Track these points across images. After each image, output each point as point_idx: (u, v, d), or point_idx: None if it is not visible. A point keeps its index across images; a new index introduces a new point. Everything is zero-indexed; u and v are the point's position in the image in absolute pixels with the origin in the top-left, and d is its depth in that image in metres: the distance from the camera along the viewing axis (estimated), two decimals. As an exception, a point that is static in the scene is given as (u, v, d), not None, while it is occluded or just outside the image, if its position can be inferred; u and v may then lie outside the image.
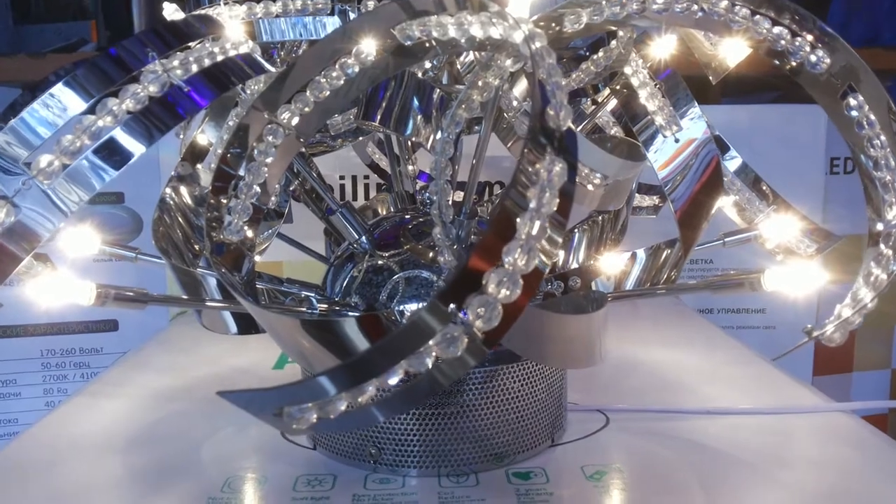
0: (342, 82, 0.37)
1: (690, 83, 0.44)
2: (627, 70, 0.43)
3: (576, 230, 0.51)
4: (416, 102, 0.43)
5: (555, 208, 0.22)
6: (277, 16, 0.44)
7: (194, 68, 0.33)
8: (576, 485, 0.40)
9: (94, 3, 1.21)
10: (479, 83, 0.34)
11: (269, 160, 0.36)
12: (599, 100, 0.49)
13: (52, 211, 0.33)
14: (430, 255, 0.44)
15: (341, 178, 0.87)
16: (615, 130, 0.50)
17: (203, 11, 0.43)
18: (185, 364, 0.63)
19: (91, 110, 0.31)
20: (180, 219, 0.42)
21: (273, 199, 0.40)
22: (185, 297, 0.39)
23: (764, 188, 0.51)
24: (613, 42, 0.43)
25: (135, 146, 0.33)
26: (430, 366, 0.21)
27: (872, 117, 0.35)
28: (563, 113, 0.23)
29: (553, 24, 0.36)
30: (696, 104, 0.42)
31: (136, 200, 0.86)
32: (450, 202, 0.38)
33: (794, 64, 0.35)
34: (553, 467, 0.42)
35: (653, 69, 0.44)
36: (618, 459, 0.43)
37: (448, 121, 0.36)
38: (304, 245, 0.54)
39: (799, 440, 0.46)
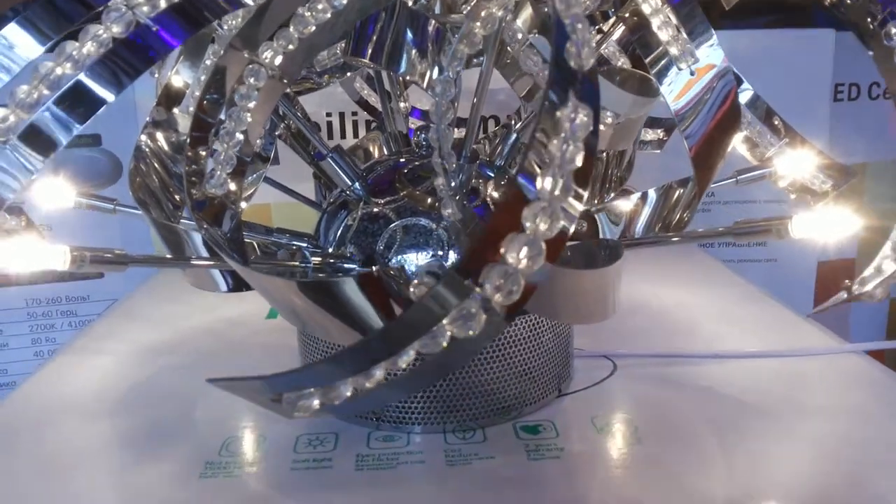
0: (328, 15, 0.33)
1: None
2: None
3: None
4: (409, 35, 0.40)
5: (579, 163, 0.19)
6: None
7: (163, 3, 0.30)
8: (586, 438, 0.39)
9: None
10: (482, 14, 0.30)
11: (251, 105, 0.33)
12: (605, 28, 0.46)
13: (16, 168, 0.30)
14: (429, 201, 0.42)
15: (328, 115, 0.83)
16: (622, 62, 0.47)
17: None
18: (175, 314, 0.61)
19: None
20: (158, 167, 0.39)
21: (259, 142, 0.37)
22: (168, 255, 0.37)
23: (776, 122, 0.48)
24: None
25: (102, 93, 0.29)
26: (445, 345, 0.19)
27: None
28: (586, 52, 0.20)
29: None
30: (714, 32, 0.39)
31: (114, 143, 0.82)
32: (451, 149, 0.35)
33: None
34: (561, 420, 0.41)
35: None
36: (627, 409, 0.42)
37: (449, 58, 0.32)
38: (293, 190, 0.51)
39: (811, 383, 0.45)
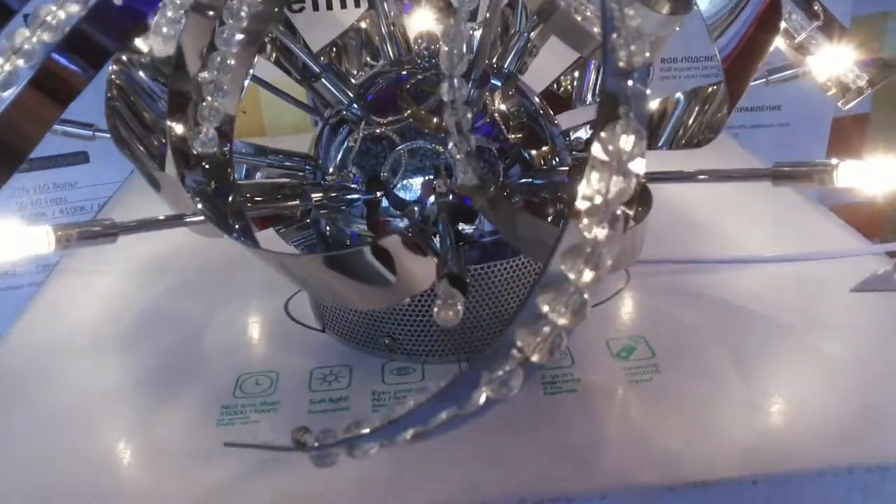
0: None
1: None
2: None
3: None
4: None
5: (625, 200, 0.16)
6: None
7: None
8: (602, 367, 0.38)
9: None
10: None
11: (234, 49, 0.29)
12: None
13: None
14: (434, 121, 0.38)
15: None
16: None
17: None
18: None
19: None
20: (134, 100, 0.36)
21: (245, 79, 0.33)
22: (161, 217, 0.34)
23: (815, 7, 0.44)
24: None
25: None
26: (480, 404, 0.17)
27: None
28: (637, 45, 0.17)
29: None
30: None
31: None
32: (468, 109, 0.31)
33: None
34: (576, 344, 0.40)
35: None
36: (642, 329, 0.41)
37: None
38: (288, 94, 0.47)
39: (833, 290, 0.44)
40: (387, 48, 0.43)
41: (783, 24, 0.43)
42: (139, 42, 0.35)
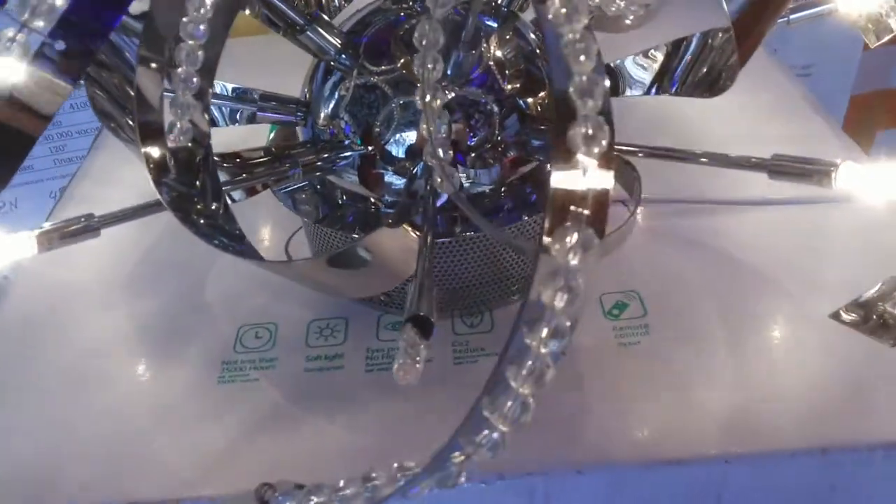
0: None
1: None
2: None
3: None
4: None
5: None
6: None
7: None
8: (593, 326, 0.39)
9: None
10: None
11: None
12: None
13: None
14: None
15: None
16: None
17: None
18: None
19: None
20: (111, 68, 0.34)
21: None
22: (150, 203, 0.33)
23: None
24: None
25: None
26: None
27: None
28: (598, 87, 0.15)
29: None
30: None
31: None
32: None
33: None
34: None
35: None
36: (634, 284, 0.41)
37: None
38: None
39: (836, 236, 0.43)
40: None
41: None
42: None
